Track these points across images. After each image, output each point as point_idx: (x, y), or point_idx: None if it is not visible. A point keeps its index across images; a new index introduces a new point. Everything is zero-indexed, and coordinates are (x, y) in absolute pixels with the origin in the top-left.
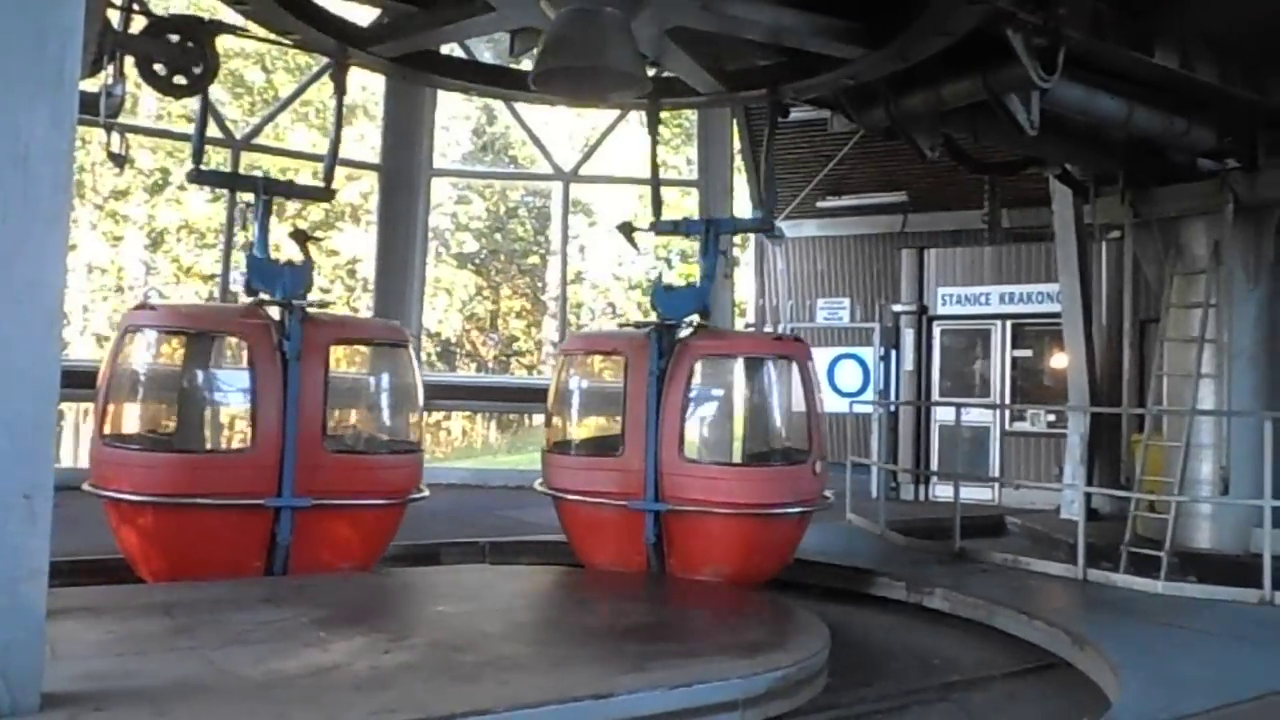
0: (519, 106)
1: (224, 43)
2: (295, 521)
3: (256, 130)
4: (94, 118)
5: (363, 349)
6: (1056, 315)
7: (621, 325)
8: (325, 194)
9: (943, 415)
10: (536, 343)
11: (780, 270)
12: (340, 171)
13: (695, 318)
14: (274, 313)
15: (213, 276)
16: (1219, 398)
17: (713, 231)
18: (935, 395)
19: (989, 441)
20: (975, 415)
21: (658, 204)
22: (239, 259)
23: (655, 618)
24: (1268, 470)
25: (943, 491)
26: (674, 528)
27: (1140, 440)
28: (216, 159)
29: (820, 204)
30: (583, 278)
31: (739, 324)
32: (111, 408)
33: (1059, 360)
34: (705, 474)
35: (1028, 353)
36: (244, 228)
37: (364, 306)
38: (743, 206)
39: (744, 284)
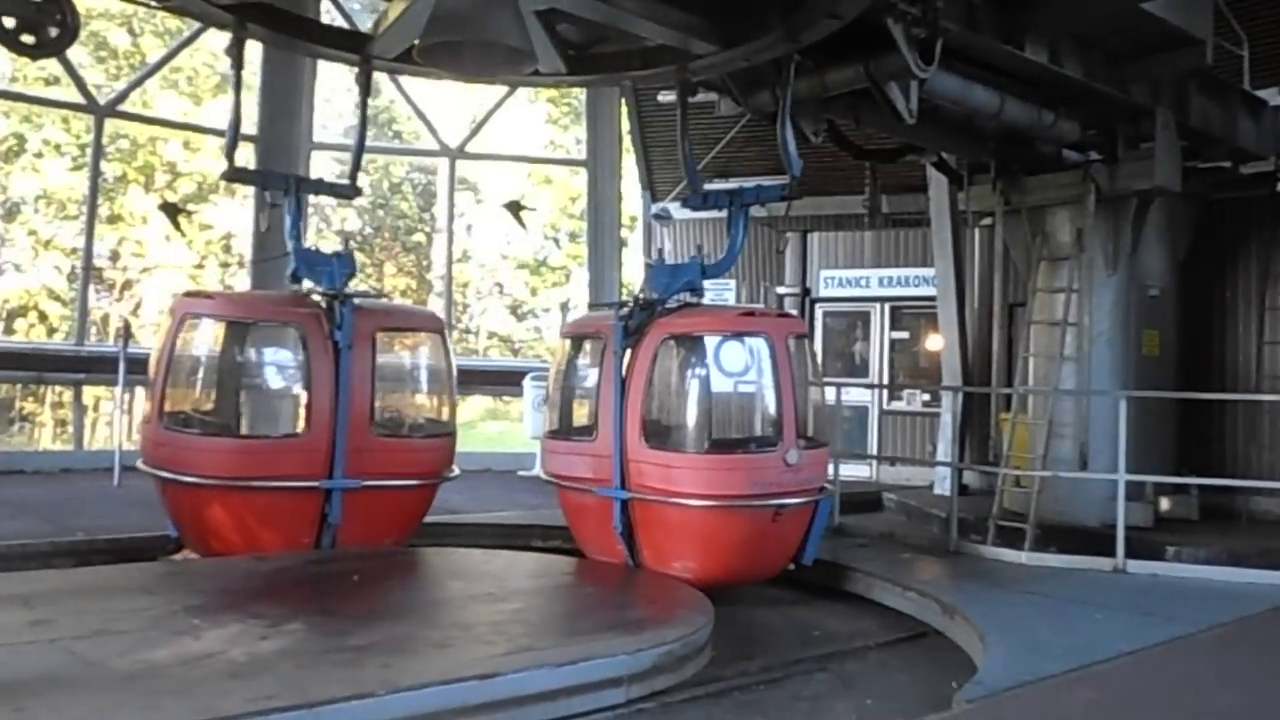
0: (404, 80)
1: (85, 2)
2: (344, 501)
3: (122, 96)
4: None
5: (402, 335)
6: (932, 298)
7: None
8: (352, 191)
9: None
10: None
11: (667, 252)
12: (213, 142)
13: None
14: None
15: (74, 250)
16: (1080, 378)
17: (738, 203)
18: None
19: (868, 420)
20: (855, 395)
21: (693, 178)
22: (102, 231)
23: (543, 598)
24: (1122, 446)
25: None
26: (639, 517)
27: (1008, 419)
28: (78, 126)
29: (707, 186)
30: (469, 256)
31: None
32: (170, 392)
33: (934, 342)
34: (664, 461)
35: (905, 334)
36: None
37: (240, 284)
38: (631, 187)
39: (631, 266)
